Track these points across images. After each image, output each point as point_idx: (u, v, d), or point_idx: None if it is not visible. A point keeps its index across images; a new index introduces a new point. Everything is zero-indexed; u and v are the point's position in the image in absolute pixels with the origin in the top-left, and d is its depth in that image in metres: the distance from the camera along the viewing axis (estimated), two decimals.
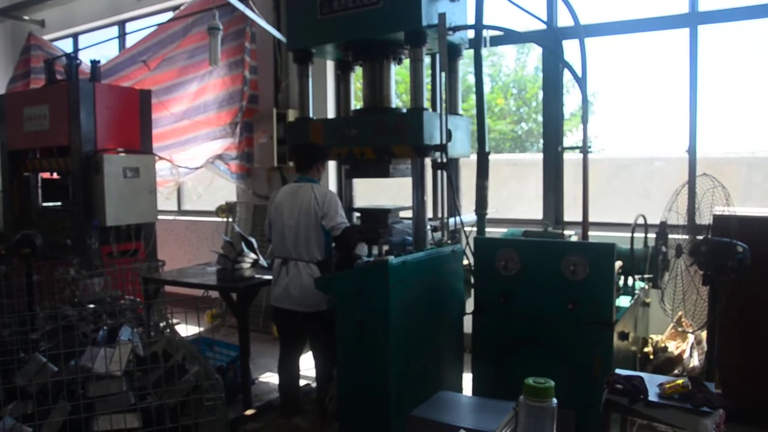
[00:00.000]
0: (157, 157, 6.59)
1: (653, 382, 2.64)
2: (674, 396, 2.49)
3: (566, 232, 4.13)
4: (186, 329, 6.59)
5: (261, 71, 6.75)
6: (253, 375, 5.16)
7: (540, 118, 7.68)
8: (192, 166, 7.06)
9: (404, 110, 4.25)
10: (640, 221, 3.95)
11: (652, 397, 2.53)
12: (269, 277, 4.48)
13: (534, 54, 7.48)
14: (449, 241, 4.03)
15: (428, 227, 4.09)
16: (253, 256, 4.48)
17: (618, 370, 2.80)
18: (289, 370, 4.14)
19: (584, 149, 3.78)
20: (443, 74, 4.04)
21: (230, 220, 7.03)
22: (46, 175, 6.75)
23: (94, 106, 6.01)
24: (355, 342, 3.34)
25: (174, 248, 7.80)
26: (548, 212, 5.50)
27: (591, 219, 4.99)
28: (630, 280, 4.05)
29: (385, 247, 4.35)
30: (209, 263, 5.12)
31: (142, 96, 6.50)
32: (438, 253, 3.64)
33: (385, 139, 4.04)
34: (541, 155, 5.87)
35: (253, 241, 4.60)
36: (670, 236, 3.85)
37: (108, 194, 5.93)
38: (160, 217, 7.71)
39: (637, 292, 4.04)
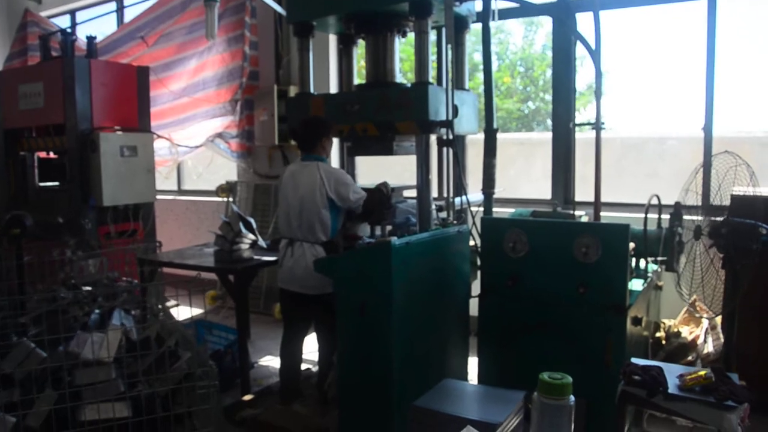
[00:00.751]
0: (156, 136, 6.44)
1: (672, 373, 2.49)
2: (695, 388, 2.33)
3: (576, 213, 3.95)
4: (189, 311, 6.47)
5: (262, 47, 6.56)
6: (252, 359, 5.04)
7: (548, 97, 7.51)
8: (191, 144, 6.89)
9: (409, 85, 4.06)
10: (654, 201, 3.78)
11: (672, 389, 2.38)
12: (268, 258, 4.34)
13: (542, 32, 7.32)
14: (455, 222, 3.87)
15: (433, 207, 3.92)
16: (251, 236, 4.34)
17: (634, 359, 2.65)
18: (291, 354, 4.00)
19: (597, 126, 3.60)
20: (449, 47, 3.85)
21: (230, 199, 6.88)
22: (43, 154, 6.61)
23: (90, 83, 5.84)
24: (357, 326, 3.20)
25: (174, 228, 7.67)
26: (557, 192, 5.33)
27: (590, 198, 4.84)
28: (642, 263, 3.89)
29: (388, 228, 4.20)
30: (207, 244, 4.98)
31: (139, 73, 6.33)
32: (443, 233, 3.48)
33: (388, 114, 3.87)
34: (548, 134, 5.68)
35: (252, 221, 4.45)
36: (686, 217, 3.69)
37: (105, 173, 5.78)
38: (159, 197, 7.55)
39: (649, 275, 3.88)
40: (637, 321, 3.42)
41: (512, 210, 4.68)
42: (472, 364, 3.80)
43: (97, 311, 3.83)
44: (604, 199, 4.41)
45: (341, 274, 3.25)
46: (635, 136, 6.02)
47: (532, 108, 7.62)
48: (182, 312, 6.55)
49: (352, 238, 4.09)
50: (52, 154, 6.55)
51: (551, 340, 3.32)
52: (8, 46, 8.88)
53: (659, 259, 3.87)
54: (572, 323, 3.27)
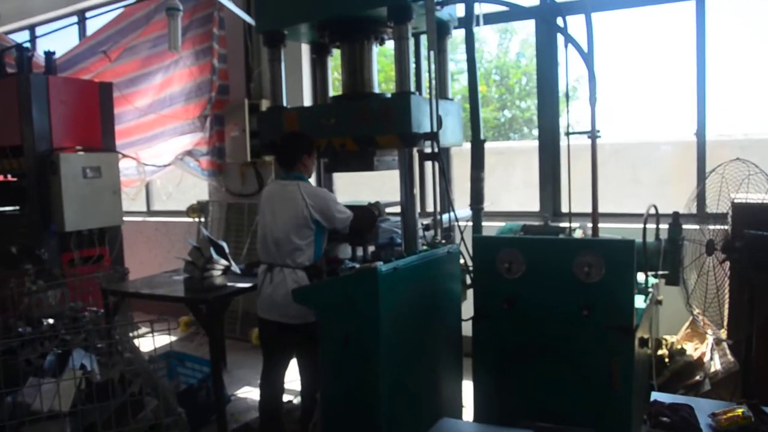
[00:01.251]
0: (121, 155, 6.10)
1: (702, 410, 2.23)
2: (732, 429, 2.08)
3: (573, 225, 3.70)
4: (154, 344, 6.08)
5: (231, 59, 6.26)
6: (229, 391, 4.71)
7: (523, 105, 7.38)
8: (159, 163, 6.55)
9: (388, 96, 3.80)
10: (652, 212, 3.56)
11: (706, 431, 2.12)
12: (243, 285, 4.03)
13: (516, 39, 7.22)
14: (443, 241, 3.61)
15: (419, 225, 3.65)
16: (224, 262, 4.02)
17: (658, 395, 2.39)
18: (271, 388, 3.68)
19: (593, 134, 3.37)
20: (431, 54, 3.60)
21: (202, 220, 6.55)
22: (1, 177, 6.21)
23: (48, 101, 5.50)
24: (340, 358, 2.90)
25: (144, 252, 7.30)
26: (545, 203, 5.10)
27: (579, 209, 4.60)
28: (642, 277, 3.65)
29: (371, 249, 3.93)
30: (177, 270, 4.65)
31: (102, 89, 6.00)
32: (432, 255, 3.20)
33: (367, 128, 3.60)
34: (527, 143, 5.48)
35: (224, 245, 4.14)
36: (686, 226, 3.47)
37: (66, 197, 5.43)
38: (127, 218, 7.19)
39: (650, 290, 3.64)
40: (644, 342, 3.18)
41: (500, 224, 4.43)
42: (467, 387, 3.51)
43: (56, 350, 3.48)
44: (582, 209, 4.22)
45: (323, 302, 2.96)
46: (616, 141, 5.85)
47: (509, 116, 7.51)
48: (152, 343, 6.26)
49: (334, 262, 3.81)
50: (10, 177, 6.17)
51: (552, 365, 3.06)
52: None
53: (660, 273, 3.65)
54: (575, 347, 3.01)
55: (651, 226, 3.66)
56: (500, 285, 3.15)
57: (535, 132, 7.02)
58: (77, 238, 5.63)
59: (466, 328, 3.42)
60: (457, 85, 6.47)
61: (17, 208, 6.04)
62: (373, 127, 3.59)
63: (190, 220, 6.63)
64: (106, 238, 5.91)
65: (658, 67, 5.40)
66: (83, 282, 5.45)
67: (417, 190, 3.74)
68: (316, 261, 3.55)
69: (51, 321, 4.80)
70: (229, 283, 4.11)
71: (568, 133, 3.43)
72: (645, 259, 3.51)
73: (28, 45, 6.45)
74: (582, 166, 4.96)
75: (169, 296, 3.94)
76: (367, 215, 3.59)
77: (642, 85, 5.57)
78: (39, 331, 4.53)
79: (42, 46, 7.42)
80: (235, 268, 4.10)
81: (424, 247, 3.52)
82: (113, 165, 5.86)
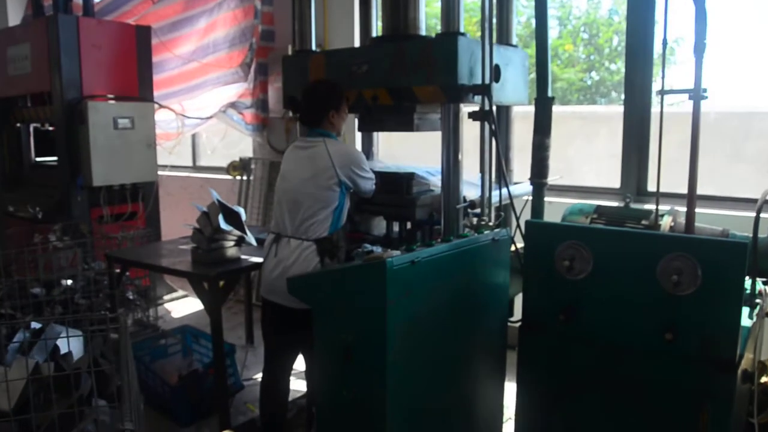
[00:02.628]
0: (158, 106, 5.63)
1: None
2: None
3: (660, 208, 2.88)
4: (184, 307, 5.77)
5: (278, 2, 5.61)
6: (248, 374, 4.22)
7: (613, 67, 6.45)
8: (202, 116, 6.05)
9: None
10: None
11: None
12: (258, 259, 3.46)
13: None
14: (491, 223, 2.88)
15: (463, 201, 2.94)
16: (236, 232, 3.46)
17: None
18: (273, 386, 3.11)
19: (697, 94, 2.52)
20: None
21: (245, 178, 6.04)
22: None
23: (78, 45, 5.06)
24: (340, 375, 2.27)
25: (188, 209, 6.88)
26: (628, 180, 4.23)
27: (667, 188, 3.62)
28: (748, 283, 2.81)
29: (409, 225, 3.27)
30: None
31: (139, 33, 5.51)
32: (471, 243, 2.47)
33: (404, 76, 2.89)
34: (615, 108, 4.59)
35: (240, 211, 3.56)
36: None
37: (95, 149, 5.02)
38: (171, 173, 6.85)
39: (757, 300, 2.80)
40: (747, 377, 2.39)
41: (569, 202, 3.65)
42: (509, 400, 2.81)
43: (34, 325, 3.04)
44: (678, 189, 3.41)
45: (319, 300, 2.31)
46: (715, 110, 4.85)
47: (596, 79, 6.63)
48: (183, 308, 5.91)
49: (358, 238, 3.17)
50: (48, 126, 5.86)
51: (619, 403, 2.34)
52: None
53: None
54: (651, 382, 2.27)
55: (765, 215, 2.80)
56: (557, 288, 2.42)
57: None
58: (107, 193, 5.25)
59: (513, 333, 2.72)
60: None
61: (54, 158, 5.71)
62: (410, 76, 2.88)
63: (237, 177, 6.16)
64: (139, 195, 5.51)
65: None
66: (111, 241, 5.13)
67: (470, 157, 3.02)
68: (333, 233, 2.91)
69: (69, 282, 4.48)
70: (243, 256, 3.55)
71: (662, 92, 2.59)
72: (755, 260, 2.67)
73: None
74: (672, 137, 4.10)
75: (169, 269, 3.42)
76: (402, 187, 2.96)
77: (753, 45, 4.52)
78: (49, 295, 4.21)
79: None
80: (250, 238, 3.53)
81: (467, 230, 2.80)
82: (148, 116, 5.40)
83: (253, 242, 3.56)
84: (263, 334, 3.17)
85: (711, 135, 4.54)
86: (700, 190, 3.45)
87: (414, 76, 2.87)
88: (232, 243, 3.51)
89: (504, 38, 3.35)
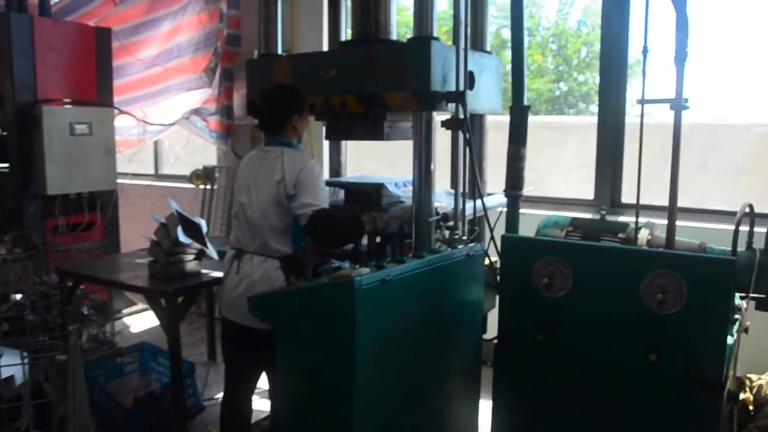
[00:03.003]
0: (118, 111, 5.40)
1: None
2: None
3: (636, 220, 2.79)
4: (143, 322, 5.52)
5: (245, 6, 5.43)
6: (210, 393, 4.02)
7: (581, 78, 6.47)
8: (164, 122, 5.83)
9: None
10: (746, 212, 2.64)
11: None
12: (220, 273, 3.27)
13: (579, 5, 6.31)
14: (465, 237, 2.76)
15: (435, 214, 2.80)
16: (196, 245, 3.27)
17: None
18: (235, 408, 2.92)
19: (678, 104, 2.44)
20: None
21: (208, 187, 5.83)
22: None
23: (32, 46, 4.81)
24: (305, 401, 2.11)
25: (149, 219, 6.62)
26: (602, 192, 4.16)
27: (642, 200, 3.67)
28: None
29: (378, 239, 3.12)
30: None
31: (98, 35, 5.28)
32: (444, 259, 2.34)
33: (374, 82, 2.76)
34: (583, 118, 4.53)
35: (201, 222, 3.38)
36: None
37: (49, 155, 4.77)
38: (133, 182, 6.60)
39: (736, 316, 2.72)
40: (732, 398, 2.29)
41: (543, 214, 3.55)
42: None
43: None
44: (651, 200, 3.40)
45: (282, 320, 2.15)
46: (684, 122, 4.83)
47: (564, 90, 6.65)
48: (143, 322, 5.65)
49: (322, 253, 3.01)
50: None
51: (600, 424, 2.23)
52: None
53: (753, 295, 2.72)
54: (634, 403, 2.16)
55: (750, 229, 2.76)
56: (535, 306, 2.31)
57: (593, 108, 6.07)
58: (63, 202, 4.99)
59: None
60: (509, 53, 5.65)
61: (6, 165, 5.43)
62: (381, 81, 2.74)
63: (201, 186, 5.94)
64: (97, 204, 5.26)
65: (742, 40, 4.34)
66: (65, 253, 4.88)
67: (442, 168, 2.89)
68: (297, 250, 2.75)
69: (18, 297, 4.23)
70: (204, 270, 3.37)
71: (642, 102, 2.50)
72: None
73: None
74: (643, 146, 4.05)
75: (124, 284, 3.22)
76: (350, 223, 2.74)
77: (722, 58, 4.52)
78: None
79: None
80: (211, 252, 3.34)
81: (438, 245, 2.67)
82: (107, 122, 5.16)
83: (215, 255, 3.38)
84: (224, 355, 2.98)
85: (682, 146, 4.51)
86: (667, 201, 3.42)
87: (384, 82, 2.73)
88: (191, 257, 3.33)
89: (478, 44, 3.24)
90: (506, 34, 5.69)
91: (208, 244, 3.35)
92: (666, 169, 2.63)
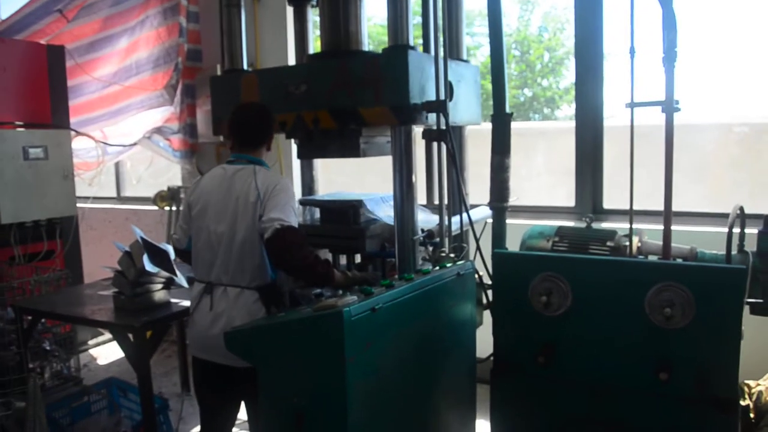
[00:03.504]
0: (74, 133, 5.15)
1: None
2: None
3: (618, 227, 2.69)
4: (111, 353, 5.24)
5: (205, 19, 5.24)
6: (180, 430, 3.79)
7: (545, 83, 6.47)
8: (125, 142, 5.58)
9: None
10: (739, 215, 2.56)
11: None
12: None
13: (539, 11, 6.36)
14: (453, 255, 2.61)
15: (419, 232, 2.65)
16: (164, 273, 3.06)
17: None
18: None
19: (669, 106, 2.34)
20: None
21: (174, 209, 5.59)
22: None
23: None
24: None
25: (113, 245, 6.36)
26: (584, 198, 4.06)
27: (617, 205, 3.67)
28: None
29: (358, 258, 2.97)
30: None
31: (51, 54, 5.04)
32: (435, 281, 2.19)
33: (348, 97, 2.60)
34: (549, 124, 4.45)
35: (168, 249, 3.17)
36: None
37: (2, 182, 4.51)
38: (94, 205, 6.32)
39: None
40: (744, 412, 2.18)
41: (524, 223, 3.44)
42: None
43: None
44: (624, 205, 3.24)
45: (262, 357, 1.97)
46: (646, 123, 4.81)
47: (529, 96, 6.64)
48: (111, 353, 5.37)
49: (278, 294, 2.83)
50: None
51: None
52: None
53: (748, 300, 2.63)
54: (643, 426, 2.03)
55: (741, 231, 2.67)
56: (534, 327, 2.17)
57: (559, 113, 6.01)
58: (19, 231, 4.72)
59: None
60: (474, 60, 5.60)
61: None
62: (356, 96, 2.59)
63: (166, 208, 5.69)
64: (57, 231, 4.99)
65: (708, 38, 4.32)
66: (23, 285, 4.59)
67: (416, 180, 2.74)
68: (275, 279, 2.57)
69: None
70: (174, 300, 3.16)
71: (632, 105, 2.40)
72: None
73: None
74: (612, 150, 3.98)
75: (87, 319, 2.98)
76: (317, 260, 2.49)
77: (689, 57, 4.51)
78: None
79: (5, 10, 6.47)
80: (181, 279, 3.14)
81: (423, 264, 2.52)
82: (64, 144, 4.91)
83: (184, 284, 3.17)
84: (198, 395, 2.75)
85: (649, 148, 4.47)
86: (647, 205, 3.34)
87: (360, 96, 2.58)
88: (159, 286, 3.11)
89: (454, 53, 3.11)
90: (468, 42, 5.65)
91: (177, 272, 3.14)
92: (636, 172, 2.53)
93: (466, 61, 3.20)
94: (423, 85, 2.57)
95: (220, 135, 3.19)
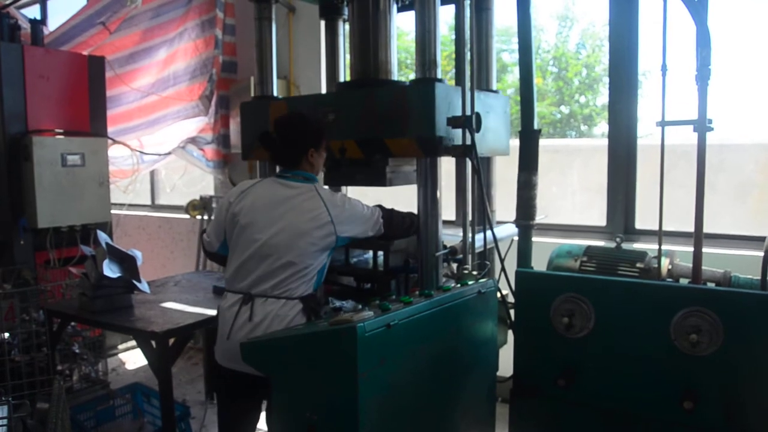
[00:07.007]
0: (111, 141, 5.26)
1: None
2: None
3: (649, 248, 2.61)
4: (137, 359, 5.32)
5: (241, 32, 5.32)
6: None
7: (583, 100, 6.38)
8: (162, 151, 5.69)
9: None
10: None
11: None
12: (212, 312, 3.06)
13: (577, 28, 6.25)
14: (476, 272, 2.57)
15: (442, 248, 2.62)
16: (125, 279, 3.21)
17: None
18: None
19: (702, 125, 2.27)
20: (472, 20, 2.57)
21: (205, 218, 5.66)
22: None
23: (23, 75, 4.69)
24: None
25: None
26: (615, 218, 3.97)
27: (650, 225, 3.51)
28: None
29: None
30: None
31: (91, 64, 5.16)
32: (455, 298, 2.15)
33: (376, 127, 2.59)
34: (586, 141, 4.37)
35: (137, 255, 3.30)
36: None
37: (40, 187, 4.62)
38: (129, 212, 6.45)
39: None
40: None
41: (552, 242, 3.38)
42: None
43: None
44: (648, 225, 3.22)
45: (276, 368, 1.96)
46: (685, 142, 4.68)
47: (566, 113, 6.57)
48: (139, 358, 5.43)
49: (329, 292, 2.84)
50: None
51: None
52: None
53: None
54: None
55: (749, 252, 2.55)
56: (555, 348, 2.11)
57: (596, 130, 5.91)
58: (55, 235, 4.83)
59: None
60: (510, 76, 5.56)
61: None
62: (382, 126, 2.58)
63: (198, 217, 5.77)
64: (91, 237, 5.09)
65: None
66: (57, 288, 4.70)
67: (440, 195, 2.70)
68: (316, 290, 2.55)
69: (7, 335, 4.04)
70: (198, 310, 3.19)
71: (663, 123, 2.34)
72: None
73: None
74: (647, 169, 3.88)
75: (111, 324, 3.03)
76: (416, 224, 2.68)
77: (730, 76, 4.39)
78: None
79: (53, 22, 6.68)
80: (143, 286, 3.26)
81: (445, 281, 2.49)
82: (100, 152, 5.02)
83: (146, 289, 3.37)
84: (221, 403, 2.73)
85: (688, 168, 4.34)
86: (683, 227, 3.23)
87: (386, 127, 2.57)
88: (120, 290, 3.28)
89: (483, 83, 3.08)
90: (506, 58, 5.62)
91: (142, 279, 3.33)
92: (673, 192, 2.46)
93: (495, 92, 3.17)
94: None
95: (252, 159, 3.20)
